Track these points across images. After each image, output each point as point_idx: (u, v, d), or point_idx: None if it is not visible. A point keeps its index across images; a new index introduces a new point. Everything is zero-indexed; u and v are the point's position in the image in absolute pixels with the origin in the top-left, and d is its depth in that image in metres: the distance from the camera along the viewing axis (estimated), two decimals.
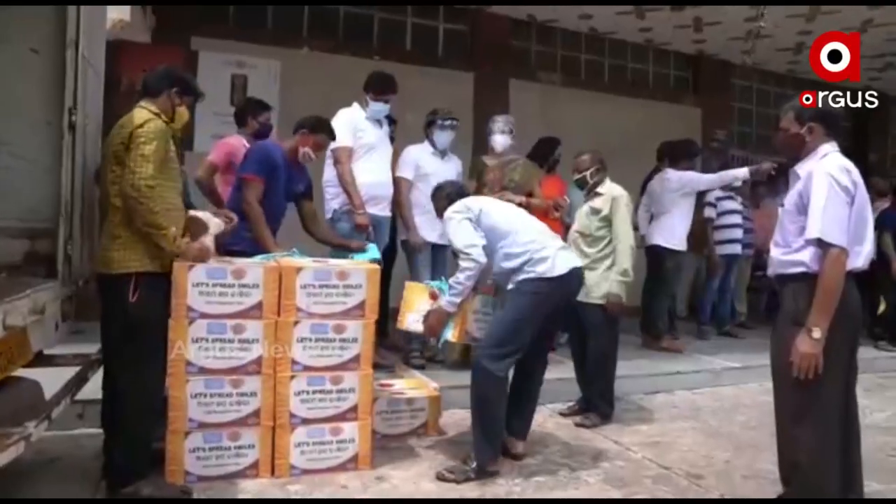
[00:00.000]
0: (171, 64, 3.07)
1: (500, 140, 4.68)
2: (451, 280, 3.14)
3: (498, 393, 3.00)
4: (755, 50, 7.33)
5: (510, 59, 7.23)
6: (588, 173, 3.99)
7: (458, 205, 3.21)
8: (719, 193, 6.29)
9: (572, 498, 2.85)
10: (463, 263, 3.05)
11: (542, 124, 6.72)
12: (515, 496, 2.85)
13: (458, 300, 3.11)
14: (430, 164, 4.58)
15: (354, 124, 4.22)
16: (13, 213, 2.66)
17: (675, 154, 5.69)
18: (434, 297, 3.28)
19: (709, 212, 6.27)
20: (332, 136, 3.65)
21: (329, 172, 4.29)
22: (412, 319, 3.32)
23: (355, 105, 4.34)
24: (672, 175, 5.54)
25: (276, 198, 3.47)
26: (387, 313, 4.99)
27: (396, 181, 4.53)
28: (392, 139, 4.87)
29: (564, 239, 5.26)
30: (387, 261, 4.70)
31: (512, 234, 3.10)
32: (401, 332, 4.24)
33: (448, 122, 4.62)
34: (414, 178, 4.55)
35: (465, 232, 3.08)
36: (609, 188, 3.93)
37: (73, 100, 2.66)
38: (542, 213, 5.04)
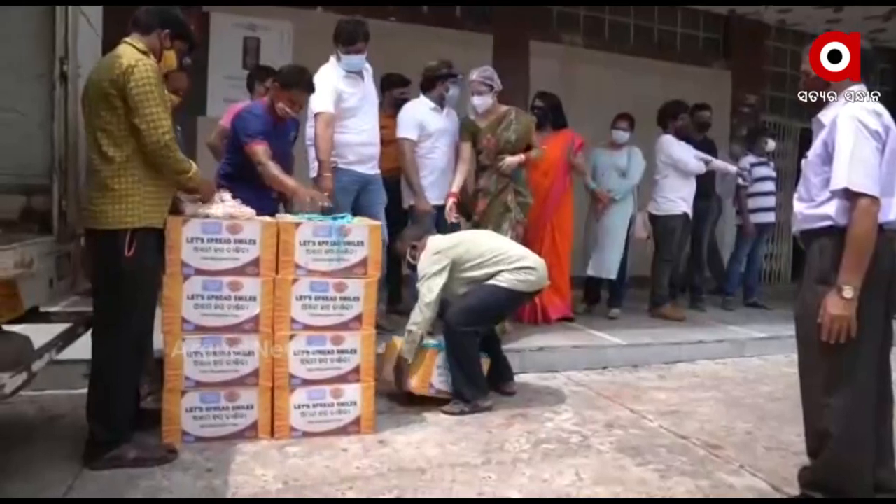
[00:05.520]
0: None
1: (478, 102, 4.30)
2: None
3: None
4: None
5: (530, 19, 6.96)
6: (409, 259, 3.59)
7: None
8: (752, 159, 6.06)
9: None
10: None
11: (563, 87, 6.49)
12: (522, 462, 2.74)
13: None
14: (434, 122, 4.37)
15: (337, 88, 3.87)
16: (8, 169, 2.58)
17: (660, 119, 5.51)
18: None
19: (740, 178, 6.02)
20: (310, 90, 3.42)
21: (311, 132, 4.00)
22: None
23: (332, 61, 3.97)
24: (661, 140, 5.43)
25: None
26: (399, 279, 4.90)
27: (399, 143, 4.31)
28: (406, 100, 4.68)
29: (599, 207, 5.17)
30: (399, 225, 4.57)
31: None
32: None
33: (460, 78, 4.43)
34: (418, 138, 4.34)
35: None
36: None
37: (63, 49, 2.56)
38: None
